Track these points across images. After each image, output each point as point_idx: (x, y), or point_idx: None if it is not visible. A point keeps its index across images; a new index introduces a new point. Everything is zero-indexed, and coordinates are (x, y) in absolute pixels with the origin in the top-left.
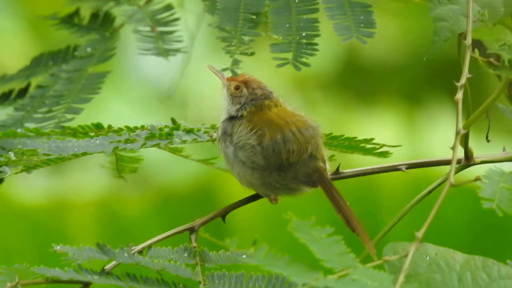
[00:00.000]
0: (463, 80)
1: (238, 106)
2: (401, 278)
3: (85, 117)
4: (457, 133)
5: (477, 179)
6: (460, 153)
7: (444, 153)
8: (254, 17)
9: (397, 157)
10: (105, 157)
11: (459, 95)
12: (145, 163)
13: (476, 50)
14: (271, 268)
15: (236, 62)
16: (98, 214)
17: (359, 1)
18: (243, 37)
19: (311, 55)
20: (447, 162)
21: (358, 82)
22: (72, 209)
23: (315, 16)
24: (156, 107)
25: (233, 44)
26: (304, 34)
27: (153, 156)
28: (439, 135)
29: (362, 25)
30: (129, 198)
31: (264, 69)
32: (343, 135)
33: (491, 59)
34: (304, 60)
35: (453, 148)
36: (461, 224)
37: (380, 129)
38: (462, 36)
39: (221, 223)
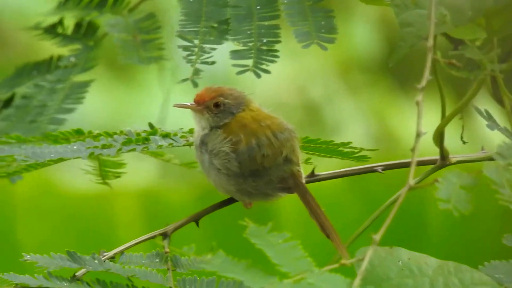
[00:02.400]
0: (423, 83)
1: (220, 119)
2: (357, 281)
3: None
4: (418, 135)
5: (435, 181)
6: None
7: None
8: (216, 25)
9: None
10: (87, 163)
11: (420, 98)
12: (192, 152)
13: (438, 52)
14: (227, 274)
15: (197, 72)
16: (143, 202)
17: (321, 6)
18: (204, 46)
19: (272, 61)
20: (424, 163)
21: (403, 67)
22: (117, 197)
23: (276, 23)
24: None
25: (194, 53)
26: (265, 41)
27: None
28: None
29: (323, 30)
30: (175, 187)
31: (307, 52)
32: (320, 139)
33: (453, 61)
34: (264, 66)
35: (412, 150)
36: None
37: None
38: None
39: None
